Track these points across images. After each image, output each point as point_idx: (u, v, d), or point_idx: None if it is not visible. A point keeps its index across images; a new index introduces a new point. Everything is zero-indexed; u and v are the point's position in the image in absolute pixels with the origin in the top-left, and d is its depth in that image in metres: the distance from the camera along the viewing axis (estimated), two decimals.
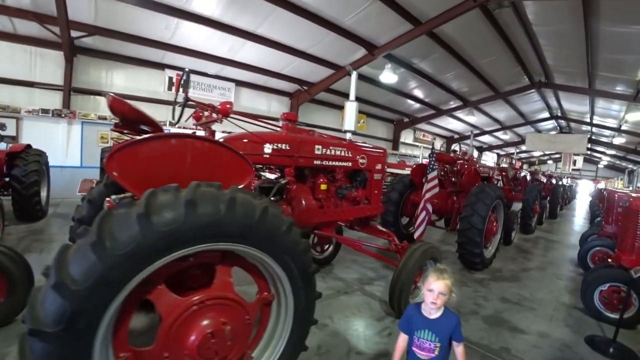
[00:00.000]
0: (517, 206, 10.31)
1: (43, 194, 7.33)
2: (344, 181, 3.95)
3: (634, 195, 4.75)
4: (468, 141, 27.52)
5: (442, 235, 8.20)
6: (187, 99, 2.86)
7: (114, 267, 1.55)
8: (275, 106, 14.66)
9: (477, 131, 24.94)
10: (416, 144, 22.48)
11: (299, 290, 2.22)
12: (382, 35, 10.43)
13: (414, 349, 2.07)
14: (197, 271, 2.20)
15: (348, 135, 4.08)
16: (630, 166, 26.33)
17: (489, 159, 33.09)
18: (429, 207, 5.81)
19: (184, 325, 1.86)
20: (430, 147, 6.19)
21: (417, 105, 18.00)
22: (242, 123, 3.31)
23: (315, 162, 3.56)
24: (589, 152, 31.52)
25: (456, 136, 25.31)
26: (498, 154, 34.44)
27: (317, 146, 3.54)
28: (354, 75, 4.05)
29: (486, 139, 28.69)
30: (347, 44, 10.62)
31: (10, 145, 7.42)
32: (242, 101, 13.80)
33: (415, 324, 2.08)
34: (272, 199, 3.37)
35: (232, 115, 3.02)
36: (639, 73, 11.15)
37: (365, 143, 4.49)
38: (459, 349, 2.04)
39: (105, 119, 10.92)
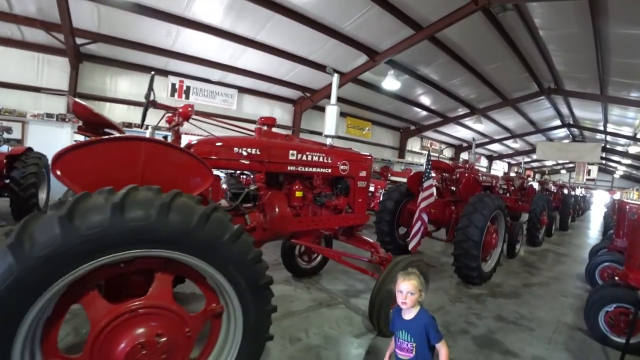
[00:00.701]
0: (525, 217, 9.92)
1: (42, 195, 7.47)
2: (323, 188, 3.76)
3: None
4: (477, 148, 27.18)
5: (443, 247, 7.87)
6: (148, 100, 2.78)
7: (32, 269, 1.50)
8: (279, 113, 14.60)
9: (485, 139, 24.48)
10: (423, 152, 22.14)
11: (247, 304, 2.08)
12: (383, 40, 10.28)
13: (396, 350, 2.23)
14: (140, 278, 2.08)
15: (328, 141, 3.91)
16: None
17: (499, 167, 32.39)
18: (425, 217, 5.58)
19: (114, 334, 1.75)
20: (427, 153, 5.92)
21: (424, 112, 17.72)
22: (211, 127, 3.23)
23: (289, 167, 3.39)
24: (603, 162, 30.64)
25: (465, 144, 24.83)
26: (509, 163, 33.72)
27: (290, 151, 3.38)
28: (336, 77, 3.90)
29: (496, 147, 28.12)
30: (348, 50, 10.51)
31: (11, 148, 7.55)
32: (245, 108, 13.78)
33: (396, 325, 2.25)
34: (245, 205, 3.25)
35: (195, 118, 2.96)
36: None
37: (351, 149, 4.30)
38: (441, 351, 2.12)
39: None
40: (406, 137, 20.50)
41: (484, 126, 19.85)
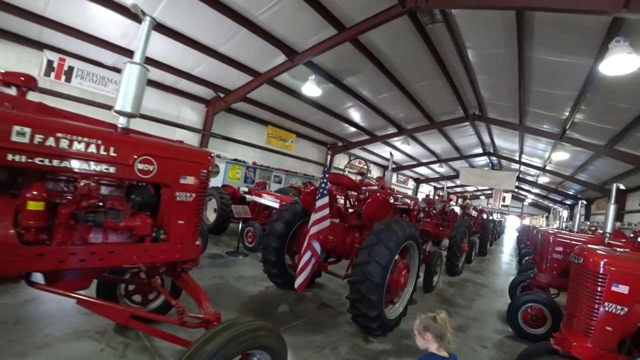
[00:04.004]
0: (446, 242, 9.20)
1: None
2: (104, 199, 2.12)
3: (590, 248, 3.19)
4: (405, 171, 27.60)
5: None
6: None
7: None
8: (188, 113, 12.59)
9: (413, 162, 24.74)
10: (351, 170, 21.41)
11: None
12: (303, 39, 9.08)
13: None
14: None
15: (121, 120, 2.31)
16: (551, 205, 28.00)
17: (426, 191, 33.35)
18: (316, 245, 4.18)
19: None
20: (324, 164, 4.59)
21: (352, 129, 16.95)
22: None
23: (10, 156, 1.73)
24: (516, 190, 33.28)
25: (394, 166, 24.86)
26: (435, 187, 35.02)
27: (16, 127, 1.73)
28: (148, 21, 2.33)
29: (424, 170, 28.77)
30: (264, 46, 9.12)
31: None
32: (146, 102, 11.40)
33: None
34: None
35: None
36: (565, 111, 10.98)
37: (182, 142, 2.71)
38: None
39: None
40: (333, 153, 19.60)
41: (412, 148, 19.80)
